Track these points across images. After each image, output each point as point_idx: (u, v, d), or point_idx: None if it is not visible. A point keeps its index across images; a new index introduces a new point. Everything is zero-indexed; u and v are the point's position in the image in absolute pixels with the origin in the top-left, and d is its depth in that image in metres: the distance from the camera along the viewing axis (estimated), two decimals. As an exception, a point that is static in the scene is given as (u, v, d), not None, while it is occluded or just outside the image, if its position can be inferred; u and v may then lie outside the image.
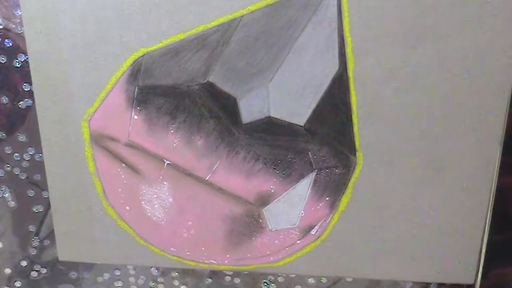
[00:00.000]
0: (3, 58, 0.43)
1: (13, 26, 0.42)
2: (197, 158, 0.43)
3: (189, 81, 0.41)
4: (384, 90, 0.39)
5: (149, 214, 0.46)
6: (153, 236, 0.47)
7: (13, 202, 0.48)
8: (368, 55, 0.38)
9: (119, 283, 0.51)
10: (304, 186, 0.43)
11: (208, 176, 0.44)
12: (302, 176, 0.43)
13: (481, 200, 0.42)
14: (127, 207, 0.46)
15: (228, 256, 0.46)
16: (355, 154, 0.42)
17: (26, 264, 0.50)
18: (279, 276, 0.48)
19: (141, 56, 0.41)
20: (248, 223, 0.45)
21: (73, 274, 0.50)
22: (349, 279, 0.47)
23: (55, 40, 0.41)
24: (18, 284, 0.51)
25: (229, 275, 0.49)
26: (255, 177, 0.43)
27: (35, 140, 0.45)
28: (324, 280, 0.48)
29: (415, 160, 0.41)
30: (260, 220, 0.45)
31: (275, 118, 0.41)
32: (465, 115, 0.40)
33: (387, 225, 0.43)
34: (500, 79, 0.38)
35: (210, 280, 0.49)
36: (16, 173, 0.47)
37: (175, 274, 0.50)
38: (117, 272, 0.51)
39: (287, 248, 0.45)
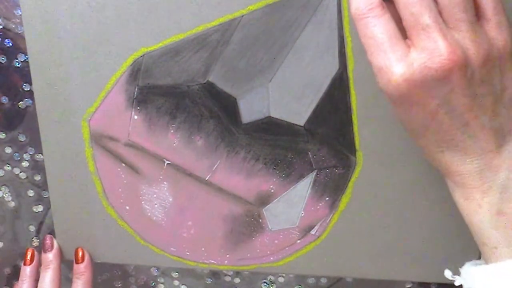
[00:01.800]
0: (3, 58, 0.43)
1: (13, 26, 0.42)
2: (197, 158, 0.43)
3: (189, 81, 0.41)
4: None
5: (149, 214, 0.46)
6: (153, 236, 0.47)
7: (13, 202, 0.48)
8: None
9: (119, 283, 0.51)
10: (304, 186, 0.43)
11: (208, 176, 0.44)
12: (302, 176, 0.43)
13: (481, 200, 0.42)
14: (127, 207, 0.46)
15: (228, 256, 0.46)
16: (355, 154, 0.42)
17: (26, 264, 0.50)
18: (279, 276, 0.48)
19: (141, 56, 0.41)
20: (248, 223, 0.45)
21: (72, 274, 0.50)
22: (349, 279, 0.47)
23: (55, 40, 0.41)
24: (18, 284, 0.51)
25: (229, 275, 0.49)
26: (255, 177, 0.43)
27: (35, 140, 0.45)
28: (324, 280, 0.48)
29: (415, 160, 0.41)
30: (260, 220, 0.45)
31: (275, 118, 0.41)
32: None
33: (387, 225, 0.43)
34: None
35: (210, 280, 0.49)
36: (16, 173, 0.47)
37: (175, 274, 0.50)
38: (118, 272, 0.51)
39: (287, 248, 0.45)
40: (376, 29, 0.28)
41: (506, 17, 0.29)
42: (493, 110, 0.29)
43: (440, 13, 0.28)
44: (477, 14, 0.29)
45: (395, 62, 0.28)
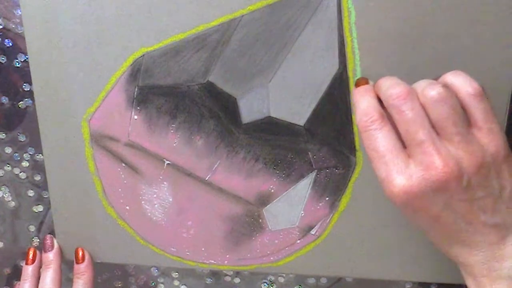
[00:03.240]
0: (3, 58, 0.43)
1: (13, 26, 0.42)
2: (197, 158, 0.43)
3: (189, 81, 0.41)
4: (384, 90, 0.39)
5: (149, 214, 0.46)
6: (153, 236, 0.47)
7: (13, 202, 0.48)
8: (368, 55, 0.38)
9: (119, 283, 0.51)
10: (304, 186, 0.43)
11: (208, 176, 0.44)
12: (302, 176, 0.43)
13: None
14: (127, 207, 0.46)
15: (228, 256, 0.46)
16: (355, 154, 0.42)
17: (26, 264, 0.50)
18: (279, 276, 0.48)
19: (141, 56, 0.41)
20: (248, 223, 0.45)
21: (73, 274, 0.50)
22: (349, 279, 0.47)
23: (55, 40, 0.41)
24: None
25: (229, 275, 0.49)
26: (255, 177, 0.43)
27: (35, 140, 0.45)
28: (324, 280, 0.48)
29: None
30: (260, 220, 0.45)
31: (275, 118, 0.41)
32: (465, 115, 0.40)
33: (387, 225, 0.43)
34: (500, 79, 0.38)
35: (210, 280, 0.49)
36: (16, 173, 0.47)
37: (175, 274, 0.50)
38: (118, 272, 0.51)
39: (287, 248, 0.45)
40: (377, 141, 0.31)
41: (497, 123, 0.31)
42: (493, 208, 0.30)
43: (433, 126, 0.30)
44: (468, 122, 0.30)
45: (396, 174, 0.30)
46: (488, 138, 0.30)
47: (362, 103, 0.32)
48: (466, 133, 0.30)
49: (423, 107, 0.30)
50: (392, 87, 0.31)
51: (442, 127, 0.30)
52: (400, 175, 0.30)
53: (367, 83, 0.35)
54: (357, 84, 0.35)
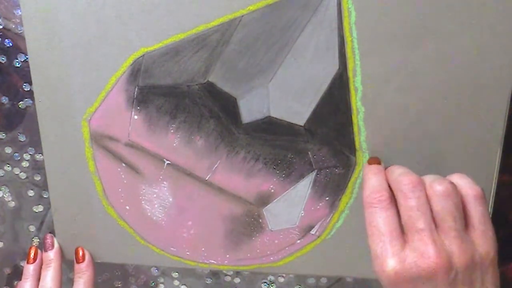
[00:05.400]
0: (3, 58, 0.43)
1: (13, 26, 0.42)
2: (197, 158, 0.43)
3: (189, 81, 0.41)
4: (384, 90, 0.39)
5: (149, 214, 0.46)
6: (153, 236, 0.47)
7: (13, 202, 0.48)
8: (368, 55, 0.38)
9: (119, 283, 0.51)
10: (304, 186, 0.43)
11: (208, 176, 0.44)
12: (302, 176, 0.43)
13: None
14: (127, 207, 0.46)
15: (228, 256, 0.46)
16: (355, 154, 0.42)
17: (26, 264, 0.50)
18: (279, 276, 0.48)
19: (141, 56, 0.41)
20: (248, 223, 0.45)
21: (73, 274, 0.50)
22: (349, 279, 0.47)
23: (55, 40, 0.41)
24: (18, 284, 0.51)
25: (229, 275, 0.49)
26: (255, 177, 0.43)
27: (35, 140, 0.45)
28: (324, 280, 0.48)
29: (415, 160, 0.41)
30: (260, 220, 0.45)
31: (275, 118, 0.41)
32: (465, 115, 0.40)
33: (387, 225, 0.43)
34: (500, 79, 0.38)
35: (210, 280, 0.49)
36: (16, 173, 0.47)
37: (175, 274, 0.50)
38: (118, 272, 0.51)
39: (287, 248, 0.45)
40: (380, 220, 0.33)
41: (491, 227, 0.33)
42: None
43: (433, 218, 0.32)
44: (465, 221, 0.33)
45: (390, 254, 0.32)
46: (481, 239, 0.32)
47: (373, 180, 0.35)
48: (462, 231, 0.32)
49: (428, 199, 0.33)
50: (404, 174, 0.34)
51: (442, 220, 0.32)
52: (395, 256, 0.32)
53: (379, 163, 0.38)
54: (370, 162, 0.38)
